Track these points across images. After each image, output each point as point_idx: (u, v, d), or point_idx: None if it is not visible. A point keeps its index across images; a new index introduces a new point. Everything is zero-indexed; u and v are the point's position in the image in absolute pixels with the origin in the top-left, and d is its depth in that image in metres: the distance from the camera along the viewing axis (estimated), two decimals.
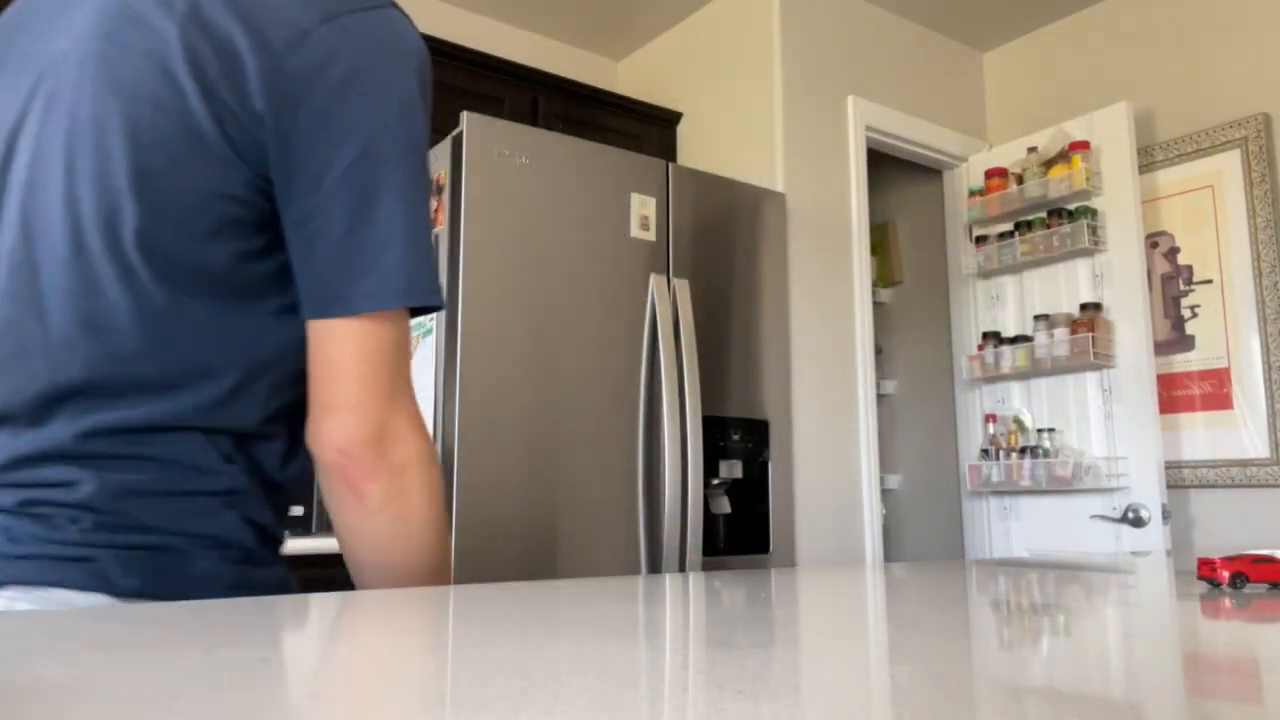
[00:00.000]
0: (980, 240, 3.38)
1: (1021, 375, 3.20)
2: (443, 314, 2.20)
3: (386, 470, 0.76)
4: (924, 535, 3.63)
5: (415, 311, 0.79)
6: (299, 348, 0.77)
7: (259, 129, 0.72)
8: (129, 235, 0.71)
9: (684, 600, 0.67)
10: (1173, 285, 3.05)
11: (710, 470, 2.49)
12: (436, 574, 0.82)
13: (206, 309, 0.74)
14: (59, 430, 0.72)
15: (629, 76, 3.72)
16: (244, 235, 0.74)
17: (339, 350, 0.75)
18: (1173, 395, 3.00)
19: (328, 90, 0.72)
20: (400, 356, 0.77)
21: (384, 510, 0.76)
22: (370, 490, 0.76)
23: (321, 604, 0.63)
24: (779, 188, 2.96)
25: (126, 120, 0.71)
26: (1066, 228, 3.04)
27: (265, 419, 0.78)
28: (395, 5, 0.79)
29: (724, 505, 2.53)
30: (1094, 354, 2.90)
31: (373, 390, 0.75)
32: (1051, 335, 3.04)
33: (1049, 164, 3.14)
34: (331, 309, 0.74)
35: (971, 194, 3.40)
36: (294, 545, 2.07)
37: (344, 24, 0.74)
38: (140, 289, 0.72)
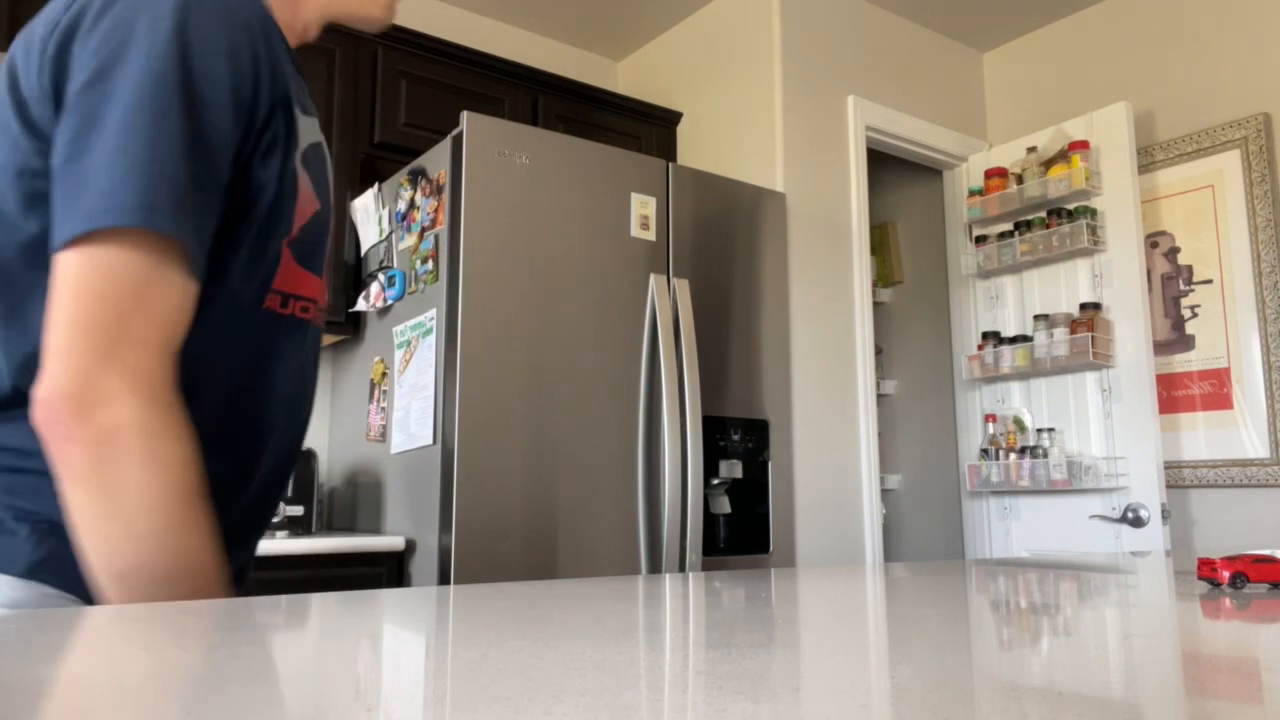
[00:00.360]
0: (980, 240, 3.38)
1: (1021, 375, 3.20)
2: (443, 314, 2.20)
3: (88, 435, 0.66)
4: (924, 535, 3.63)
5: (182, 249, 0.70)
6: None
7: (45, 98, 0.73)
8: None
9: (684, 600, 0.67)
10: (1173, 285, 3.05)
11: (710, 470, 2.49)
12: (168, 579, 0.68)
13: (38, 286, 0.73)
14: None
15: (629, 76, 3.72)
16: None
17: (55, 289, 0.67)
18: (1173, 395, 3.00)
19: (83, 33, 0.72)
20: (126, 299, 0.67)
21: (87, 483, 0.67)
22: (68, 454, 0.67)
23: (322, 604, 0.63)
24: (779, 188, 2.96)
25: None
26: (1066, 228, 3.04)
27: None
28: None
29: (724, 505, 2.53)
30: (1093, 354, 2.91)
31: (80, 334, 0.66)
32: (1051, 335, 3.04)
33: (1049, 164, 3.14)
34: (50, 243, 0.70)
35: (971, 194, 3.40)
36: (293, 545, 2.07)
37: None
38: None
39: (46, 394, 0.66)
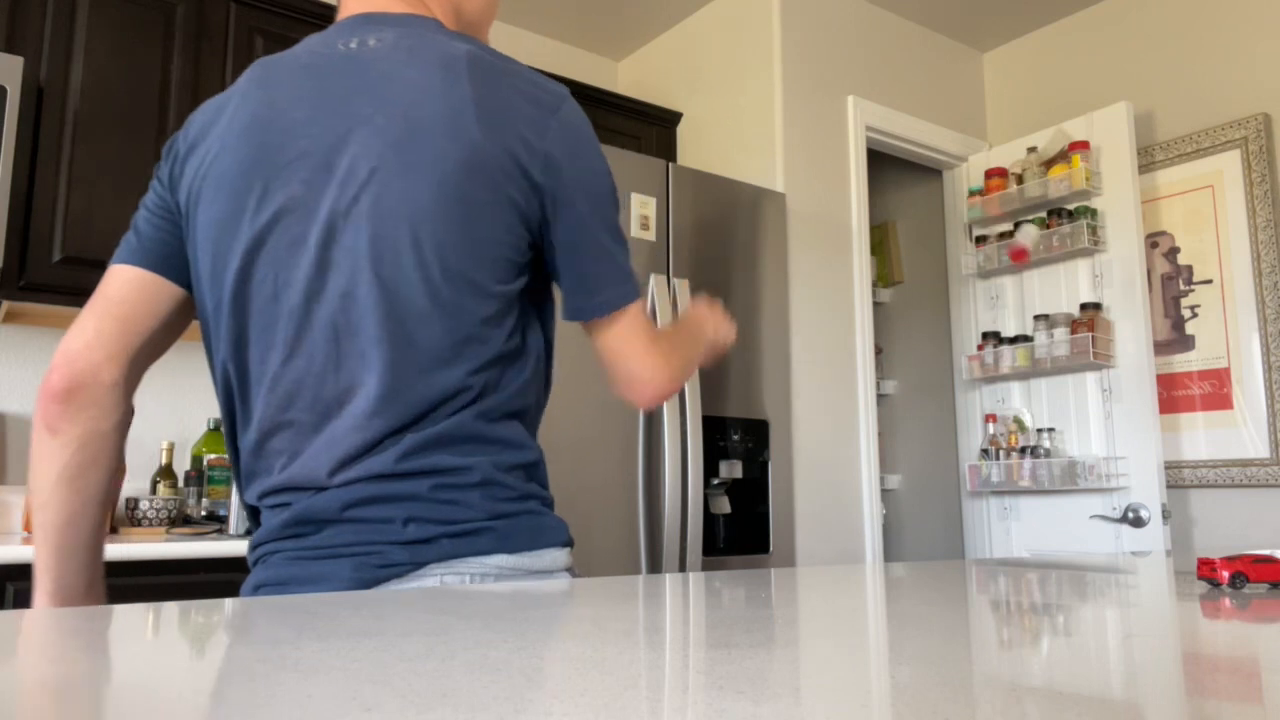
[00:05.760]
0: (980, 240, 3.38)
1: (1021, 375, 3.20)
2: None
3: (672, 389, 1.03)
4: (924, 535, 3.63)
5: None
6: None
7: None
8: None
9: (684, 600, 0.67)
10: (1173, 285, 3.05)
11: (710, 470, 2.48)
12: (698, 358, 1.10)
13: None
14: (445, 424, 0.89)
15: (629, 76, 3.72)
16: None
17: (629, 328, 1.01)
18: (1173, 395, 3.00)
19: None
20: None
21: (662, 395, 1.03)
22: (660, 398, 1.02)
23: (322, 604, 0.63)
24: (779, 188, 2.96)
25: None
26: (1066, 228, 3.04)
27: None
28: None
29: (724, 505, 2.53)
30: (1094, 354, 2.91)
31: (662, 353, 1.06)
32: (1051, 335, 3.04)
33: (1049, 164, 3.14)
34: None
35: (971, 194, 3.40)
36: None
37: None
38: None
39: (651, 397, 0.99)
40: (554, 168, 0.92)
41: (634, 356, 0.97)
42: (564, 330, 2.28)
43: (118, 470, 0.96)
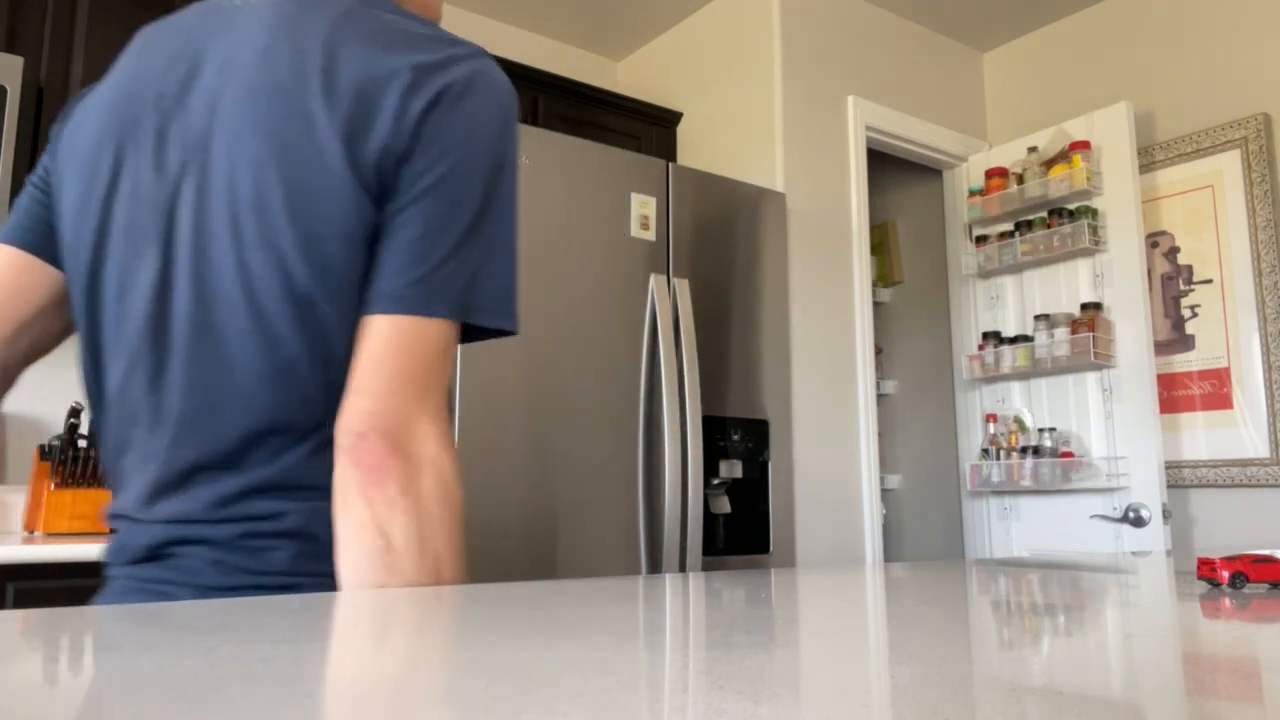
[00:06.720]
0: (980, 240, 3.38)
1: (1022, 375, 3.20)
2: None
3: (399, 465, 0.73)
4: (924, 535, 3.63)
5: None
6: None
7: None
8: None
9: (684, 600, 0.67)
10: (1173, 285, 3.05)
11: (710, 470, 2.48)
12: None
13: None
14: (260, 468, 0.76)
15: (629, 76, 3.72)
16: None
17: (389, 344, 0.78)
18: (1173, 395, 3.00)
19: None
20: (441, 362, 0.77)
21: (393, 504, 0.72)
22: (378, 479, 0.72)
23: (322, 604, 0.63)
24: (779, 188, 2.96)
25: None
26: (1067, 228, 3.04)
27: None
28: None
29: (724, 505, 2.53)
30: (1094, 354, 2.91)
31: (404, 383, 0.75)
32: (1052, 335, 3.04)
33: (1049, 164, 3.14)
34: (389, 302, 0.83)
35: (971, 194, 3.40)
36: None
37: None
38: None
39: (369, 428, 0.72)
40: (419, 142, 0.74)
41: (373, 370, 0.73)
42: (562, 330, 2.28)
43: None
